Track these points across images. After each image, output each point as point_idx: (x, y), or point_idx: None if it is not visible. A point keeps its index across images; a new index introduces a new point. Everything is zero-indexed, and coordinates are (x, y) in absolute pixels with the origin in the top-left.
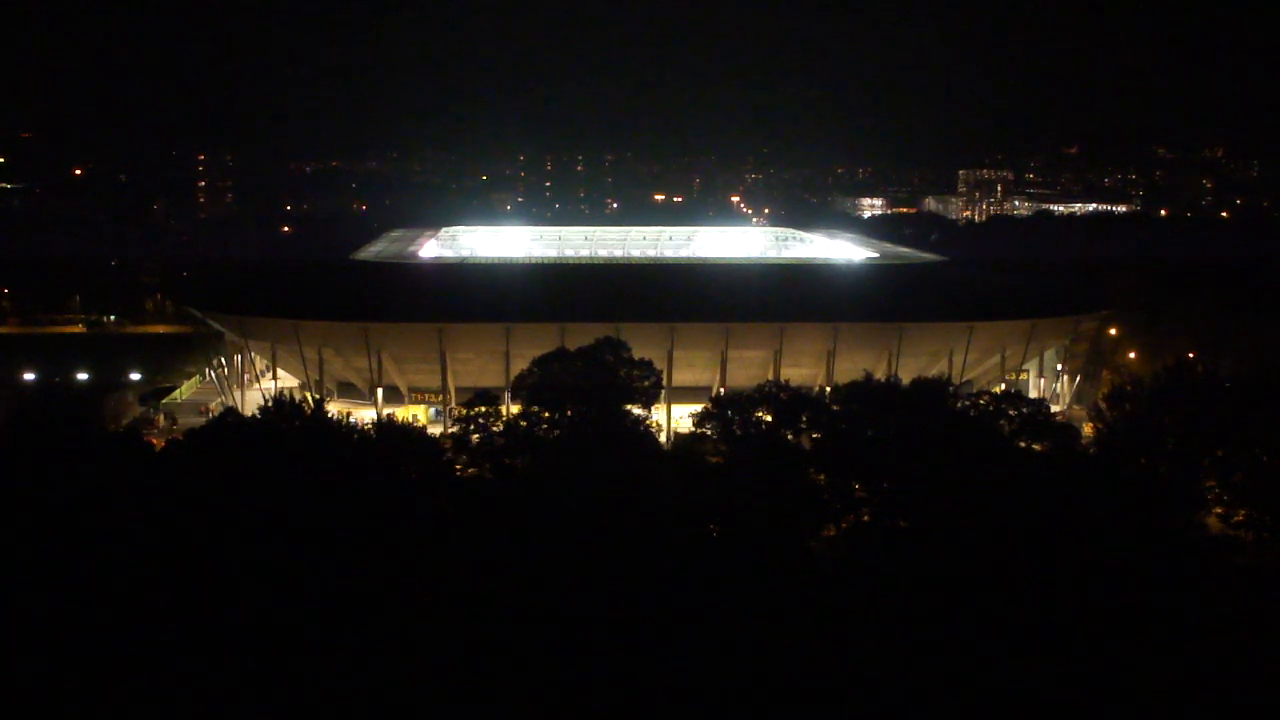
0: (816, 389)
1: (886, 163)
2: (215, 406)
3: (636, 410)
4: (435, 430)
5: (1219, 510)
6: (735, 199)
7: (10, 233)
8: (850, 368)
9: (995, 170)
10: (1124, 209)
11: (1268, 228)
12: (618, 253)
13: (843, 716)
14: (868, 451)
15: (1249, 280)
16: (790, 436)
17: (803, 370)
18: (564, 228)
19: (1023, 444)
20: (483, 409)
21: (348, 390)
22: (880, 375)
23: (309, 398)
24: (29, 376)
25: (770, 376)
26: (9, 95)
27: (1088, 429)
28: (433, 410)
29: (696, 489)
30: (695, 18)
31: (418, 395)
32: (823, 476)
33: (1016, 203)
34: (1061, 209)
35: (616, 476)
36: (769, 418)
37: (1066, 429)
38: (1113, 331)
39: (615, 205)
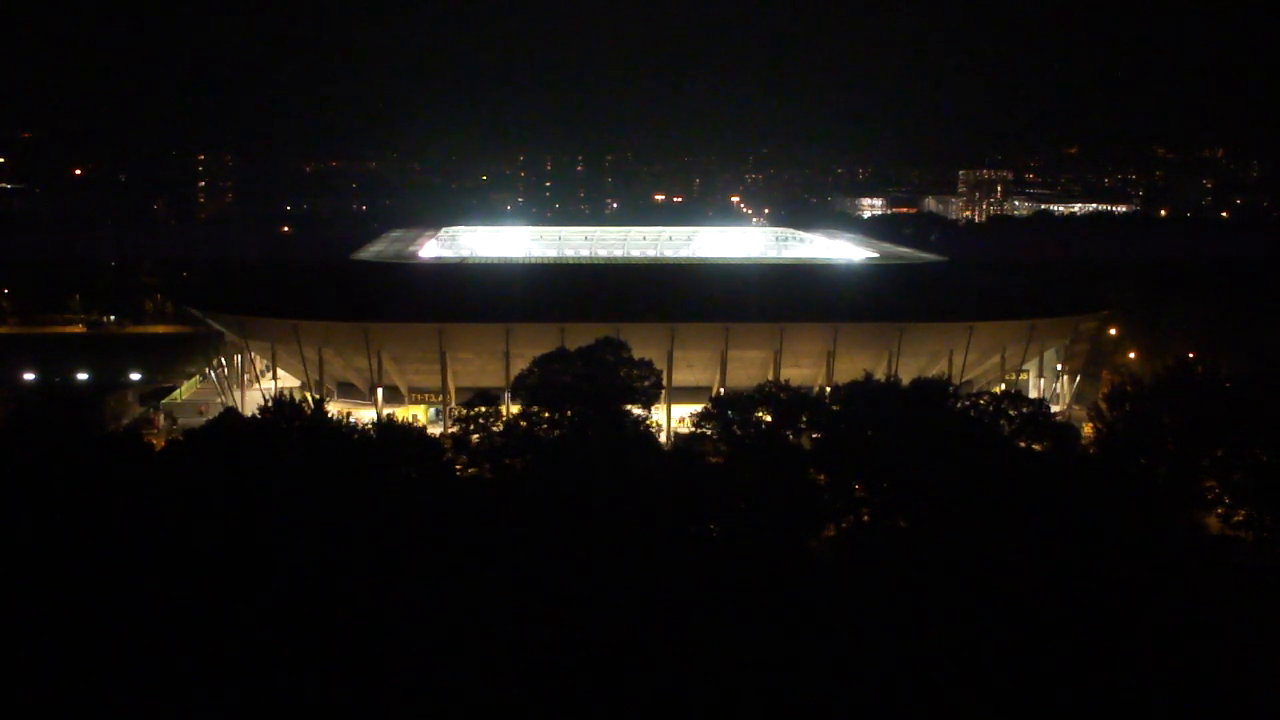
0: (816, 389)
1: (886, 163)
2: (213, 408)
3: (636, 410)
4: (435, 430)
5: (1219, 510)
6: (735, 199)
7: (10, 233)
8: (850, 368)
9: (995, 170)
10: (1124, 209)
11: (1268, 228)
12: (618, 253)
13: (843, 716)
14: (868, 451)
15: (1249, 280)
16: (790, 436)
17: (803, 370)
18: (564, 228)
19: (1023, 444)
20: (483, 409)
21: (348, 390)
22: (880, 375)
23: (309, 398)
24: (29, 376)
25: (770, 376)
26: (9, 95)
27: (1088, 429)
28: (433, 410)
29: (696, 489)
30: (696, 18)
31: (418, 395)
32: (823, 476)
33: (1016, 203)
34: (1061, 209)
35: (616, 477)
36: (769, 418)
37: (1066, 429)
38: (1113, 331)
39: (615, 205)
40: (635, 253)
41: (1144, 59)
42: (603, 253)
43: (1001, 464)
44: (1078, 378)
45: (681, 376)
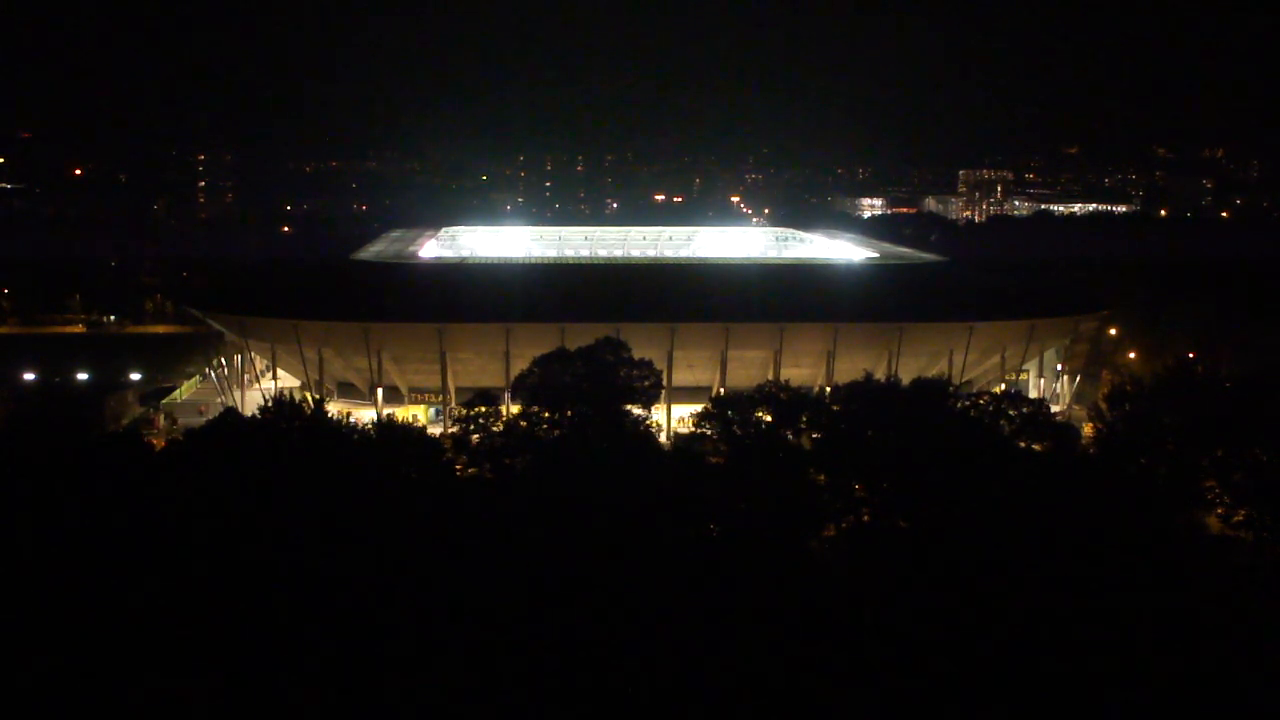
0: (816, 389)
1: (886, 163)
2: (213, 408)
3: (636, 410)
4: (435, 430)
5: (1219, 510)
6: (735, 199)
7: (10, 233)
8: (850, 368)
9: (995, 170)
10: (1124, 209)
11: (1268, 228)
12: (618, 253)
13: (843, 717)
14: (868, 451)
15: (1249, 280)
16: (790, 436)
17: (803, 370)
18: (564, 228)
19: (1023, 444)
20: (483, 409)
21: (348, 390)
22: (880, 375)
23: (309, 398)
24: (29, 376)
25: (770, 376)
26: (9, 95)
27: (1088, 429)
28: (433, 410)
29: (696, 489)
30: (696, 18)
31: (418, 395)
32: (823, 476)
33: (1016, 203)
34: (1061, 209)
35: (617, 477)
36: (769, 418)
37: (1066, 429)
38: (1113, 331)
39: (615, 205)
40: (635, 253)
41: (1144, 59)
42: (603, 253)
43: (1001, 464)
44: (1078, 378)
45: (681, 376)
